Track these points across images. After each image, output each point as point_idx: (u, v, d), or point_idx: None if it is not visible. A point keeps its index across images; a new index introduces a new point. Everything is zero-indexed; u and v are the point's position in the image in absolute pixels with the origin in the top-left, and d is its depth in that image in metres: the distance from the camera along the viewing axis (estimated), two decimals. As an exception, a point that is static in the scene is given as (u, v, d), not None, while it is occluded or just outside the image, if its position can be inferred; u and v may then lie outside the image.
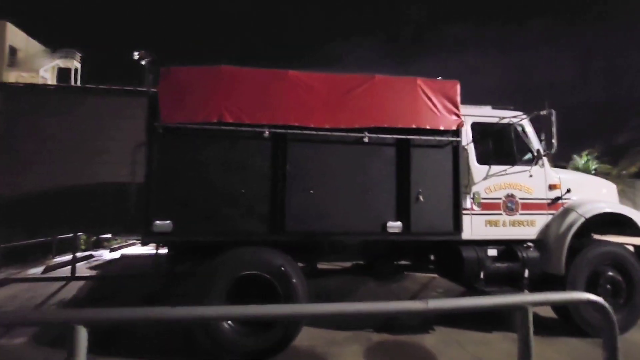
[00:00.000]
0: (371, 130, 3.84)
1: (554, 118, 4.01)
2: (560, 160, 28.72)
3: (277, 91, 3.78)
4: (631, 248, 4.64)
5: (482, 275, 4.09)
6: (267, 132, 3.67)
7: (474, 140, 4.38)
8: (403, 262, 4.83)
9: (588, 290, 4.30)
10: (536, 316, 4.82)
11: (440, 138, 4.00)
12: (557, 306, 4.39)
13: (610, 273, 4.32)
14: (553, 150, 4.17)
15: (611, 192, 4.97)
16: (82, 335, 1.53)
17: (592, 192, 4.77)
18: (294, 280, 3.61)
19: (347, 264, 5.05)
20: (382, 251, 4.54)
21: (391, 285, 6.23)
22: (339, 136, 3.81)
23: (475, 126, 4.41)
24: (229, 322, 3.51)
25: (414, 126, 3.91)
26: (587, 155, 26.18)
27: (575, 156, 26.67)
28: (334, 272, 5.02)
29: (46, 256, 8.37)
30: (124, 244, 11.36)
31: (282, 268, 3.58)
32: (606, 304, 1.73)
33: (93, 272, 7.77)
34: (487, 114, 4.52)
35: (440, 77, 4.27)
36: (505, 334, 4.34)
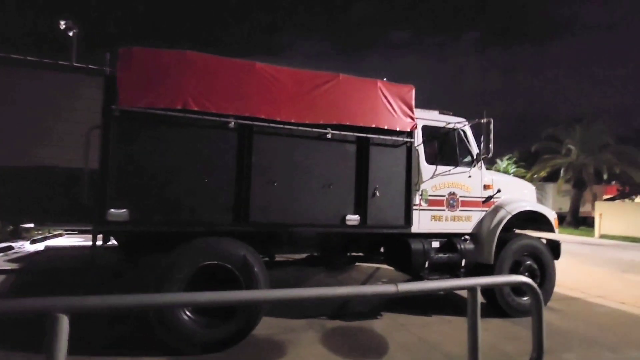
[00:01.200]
0: (334, 127, 4.01)
1: (491, 126, 4.55)
2: (485, 163, 32.05)
3: (245, 82, 3.77)
4: (544, 241, 5.45)
5: (427, 265, 4.52)
6: (233, 123, 3.65)
7: (424, 142, 4.78)
8: (356, 254, 5.12)
9: (511, 277, 4.99)
10: (462, 300, 5.40)
11: (396, 138, 4.32)
12: (485, 291, 5.02)
13: (529, 262, 5.04)
14: (490, 154, 4.72)
15: (531, 192, 5.77)
16: (64, 324, 1.48)
17: (517, 193, 5.49)
18: (256, 270, 3.67)
19: (302, 256, 5.22)
20: (338, 243, 4.78)
21: (340, 275, 6.56)
22: (303, 131, 3.93)
23: (425, 129, 4.82)
24: (188, 313, 3.47)
25: (373, 125, 4.16)
26: (507, 160, 29.40)
27: (498, 160, 29.80)
28: (289, 263, 5.15)
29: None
30: (48, 235, 10.28)
31: (245, 258, 3.61)
32: (535, 285, 2.10)
33: (14, 265, 6.97)
34: (436, 118, 4.96)
35: (385, 79, 4.54)
36: (441, 317, 4.86)
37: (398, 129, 4.30)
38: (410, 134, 4.41)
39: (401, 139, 4.35)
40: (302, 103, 3.93)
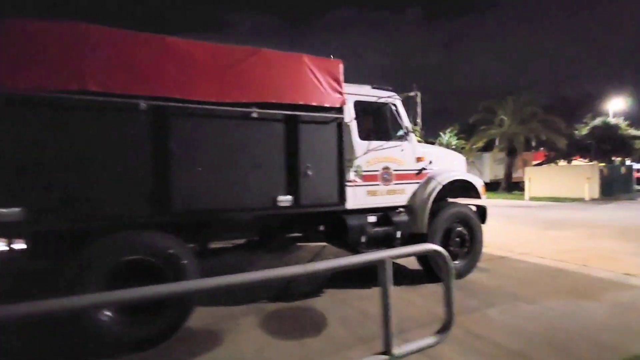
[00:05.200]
0: (259, 105, 3.82)
1: (418, 99, 4.63)
2: (430, 136, 33.58)
3: (155, 59, 3.42)
4: (474, 207, 5.78)
5: (363, 240, 4.59)
6: (143, 104, 3.31)
7: (356, 118, 4.75)
8: (295, 234, 5.07)
9: (443, 243, 5.24)
10: (406, 270, 5.60)
11: (325, 115, 4.22)
12: (421, 259, 5.26)
13: (459, 228, 5.32)
14: (418, 127, 4.82)
15: (461, 162, 6.05)
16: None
17: (448, 163, 5.72)
18: (184, 262, 3.47)
19: (241, 241, 5.07)
20: (275, 225, 4.68)
21: (286, 256, 6.51)
22: (226, 111, 3.69)
23: (356, 104, 4.78)
24: (109, 313, 3.21)
25: (301, 102, 4.02)
26: (450, 132, 31.02)
27: (441, 133, 31.34)
28: (227, 250, 4.97)
29: None
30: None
31: (169, 250, 3.39)
32: (443, 251, 2.17)
33: None
34: (367, 93, 4.94)
35: (332, 56, 4.44)
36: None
37: (327, 105, 4.20)
38: (340, 109, 4.34)
39: (331, 115, 4.27)
40: (222, 80, 3.68)
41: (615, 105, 31.51)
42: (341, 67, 4.34)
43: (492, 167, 27.21)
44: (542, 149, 30.00)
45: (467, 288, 4.93)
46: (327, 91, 4.20)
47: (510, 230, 9.49)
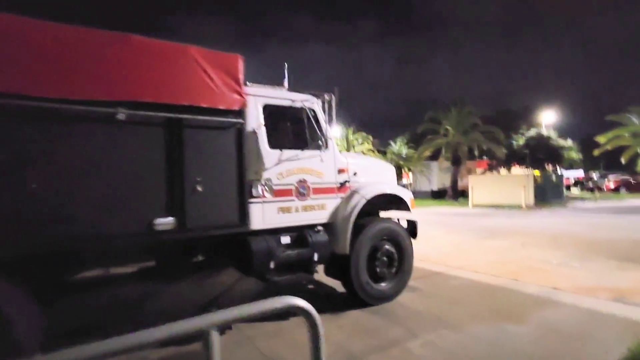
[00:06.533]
0: (128, 105, 3.06)
1: (333, 102, 4.10)
2: (381, 146, 34.08)
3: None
4: (407, 221, 5.36)
5: (272, 266, 3.93)
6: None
7: (266, 123, 4.12)
8: (199, 260, 4.30)
9: (369, 263, 4.73)
10: (329, 292, 4.94)
11: (220, 119, 3.55)
12: (345, 282, 4.70)
13: (387, 247, 4.84)
14: (329, 133, 4.29)
15: (391, 173, 5.63)
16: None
17: (375, 175, 5.25)
18: (7, 312, 2.58)
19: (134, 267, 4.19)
20: (172, 248, 3.89)
21: (207, 280, 5.64)
22: (80, 110, 2.88)
23: (267, 108, 4.15)
24: None
25: (185, 103, 3.31)
26: (400, 141, 31.62)
27: (391, 142, 31.87)
28: (107, 280, 4.06)
29: None
30: None
31: None
32: (309, 308, 1.58)
33: None
34: (280, 96, 4.33)
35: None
36: (300, 319, 4.36)
37: (222, 108, 3.53)
38: (240, 113, 3.69)
39: (228, 119, 3.60)
40: (73, 72, 2.88)
41: (548, 118, 34.03)
42: (241, 63, 3.70)
43: (439, 175, 28.04)
44: (484, 157, 31.53)
45: (393, 313, 4.44)
46: (222, 91, 3.54)
47: (449, 241, 9.36)
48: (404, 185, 31.93)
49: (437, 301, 4.83)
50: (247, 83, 4.18)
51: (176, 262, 4.20)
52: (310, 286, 5.75)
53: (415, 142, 31.69)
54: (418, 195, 28.51)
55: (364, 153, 29.62)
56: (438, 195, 26.81)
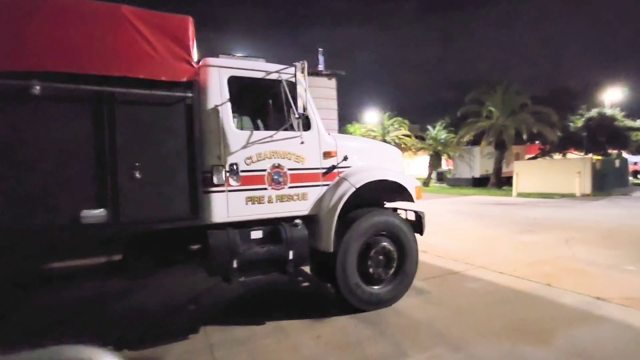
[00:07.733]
0: (45, 76, 2.61)
1: (305, 71, 3.40)
2: (421, 131, 32.23)
3: None
4: (412, 214, 4.58)
5: (234, 264, 3.39)
6: None
7: (232, 99, 3.53)
8: (162, 256, 3.87)
9: (362, 262, 4.05)
10: (323, 293, 4.31)
11: (164, 93, 3.01)
12: (333, 283, 4.06)
13: (384, 243, 4.12)
14: (314, 110, 3.61)
15: (397, 158, 4.83)
16: None
17: (376, 159, 4.50)
18: None
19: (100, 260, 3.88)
20: (134, 242, 3.49)
21: (190, 277, 5.26)
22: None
23: (233, 81, 3.56)
24: None
25: (117, 74, 2.81)
26: (440, 125, 29.69)
27: (429, 127, 30.04)
28: (73, 275, 3.77)
29: None
30: None
31: None
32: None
33: None
34: (250, 66, 3.70)
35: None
36: (277, 323, 3.82)
37: (164, 79, 2.99)
38: (189, 85, 3.12)
39: (173, 93, 3.05)
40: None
41: (612, 96, 30.17)
42: (190, 26, 3.12)
43: (482, 161, 25.91)
44: (537, 142, 28.72)
45: (385, 323, 3.74)
46: (166, 59, 3.00)
47: (478, 234, 8.28)
48: (441, 173, 30.40)
49: (444, 309, 4.04)
50: (219, 56, 3.62)
51: (137, 258, 3.79)
52: (305, 284, 5.19)
53: (455, 126, 29.52)
54: (459, 182, 26.68)
55: (398, 138, 28.23)
56: (479, 183, 24.81)
